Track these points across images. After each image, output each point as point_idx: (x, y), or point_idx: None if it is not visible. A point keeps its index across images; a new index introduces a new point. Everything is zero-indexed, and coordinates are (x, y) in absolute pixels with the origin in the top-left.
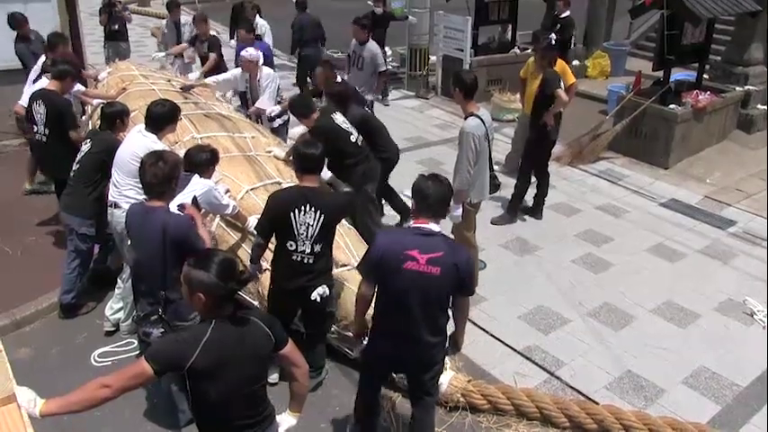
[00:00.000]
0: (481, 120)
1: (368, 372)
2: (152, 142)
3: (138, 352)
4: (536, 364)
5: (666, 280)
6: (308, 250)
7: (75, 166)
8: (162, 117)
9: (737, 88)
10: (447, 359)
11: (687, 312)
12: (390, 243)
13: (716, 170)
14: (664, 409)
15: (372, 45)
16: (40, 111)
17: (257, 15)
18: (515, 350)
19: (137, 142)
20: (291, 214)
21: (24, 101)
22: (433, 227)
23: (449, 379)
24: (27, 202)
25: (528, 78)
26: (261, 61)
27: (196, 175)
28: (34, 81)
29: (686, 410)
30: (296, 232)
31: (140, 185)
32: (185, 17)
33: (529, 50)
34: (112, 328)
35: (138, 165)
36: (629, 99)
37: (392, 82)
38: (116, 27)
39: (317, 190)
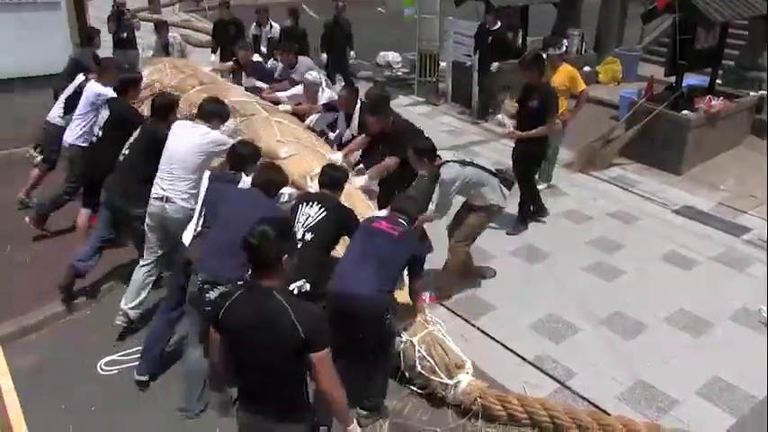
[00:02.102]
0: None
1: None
2: (205, 133)
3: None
4: (546, 373)
5: (679, 288)
6: (298, 236)
7: (125, 152)
8: (213, 112)
9: (751, 93)
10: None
11: (701, 321)
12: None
13: (730, 176)
14: (677, 420)
15: (301, 66)
16: (103, 114)
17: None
18: (525, 359)
19: (193, 134)
20: (300, 205)
21: (55, 116)
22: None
23: (468, 381)
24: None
25: None
26: (323, 83)
27: (244, 175)
28: (68, 100)
29: (700, 422)
30: (296, 219)
31: (192, 177)
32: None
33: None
34: (126, 323)
35: (201, 157)
36: (640, 105)
37: (402, 88)
38: (125, 35)
39: (332, 197)
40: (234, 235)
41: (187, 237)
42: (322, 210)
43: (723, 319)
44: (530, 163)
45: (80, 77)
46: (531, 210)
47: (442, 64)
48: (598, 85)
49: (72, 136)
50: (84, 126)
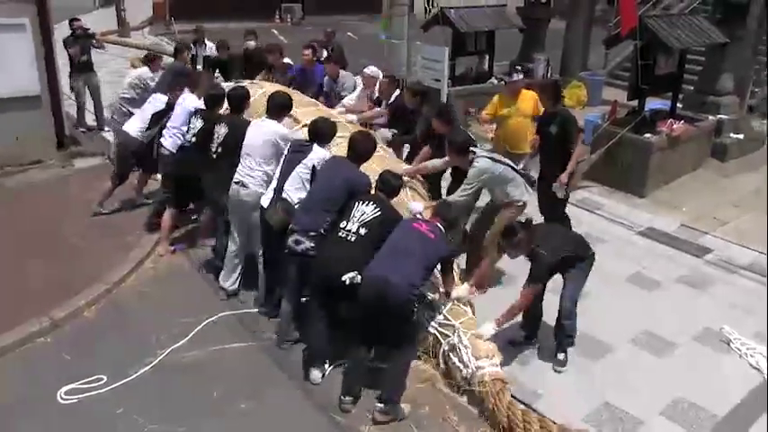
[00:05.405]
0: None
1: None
2: (275, 125)
3: (106, 389)
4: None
5: (644, 309)
6: (353, 229)
7: (218, 149)
8: (280, 105)
9: (710, 117)
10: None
11: (665, 342)
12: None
13: (691, 198)
14: None
15: (342, 79)
16: (220, 131)
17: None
18: None
19: (267, 130)
20: (357, 202)
21: (136, 130)
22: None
23: (491, 371)
24: None
25: (503, 114)
26: (380, 76)
27: (316, 145)
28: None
29: None
30: (352, 214)
31: (266, 163)
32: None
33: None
34: (226, 297)
35: (272, 148)
36: (604, 128)
37: None
38: (85, 58)
39: (386, 200)
40: (322, 195)
41: (265, 200)
42: (377, 209)
43: (686, 340)
44: (559, 204)
45: (162, 98)
46: None
47: None
48: None
49: (174, 144)
50: (181, 134)
